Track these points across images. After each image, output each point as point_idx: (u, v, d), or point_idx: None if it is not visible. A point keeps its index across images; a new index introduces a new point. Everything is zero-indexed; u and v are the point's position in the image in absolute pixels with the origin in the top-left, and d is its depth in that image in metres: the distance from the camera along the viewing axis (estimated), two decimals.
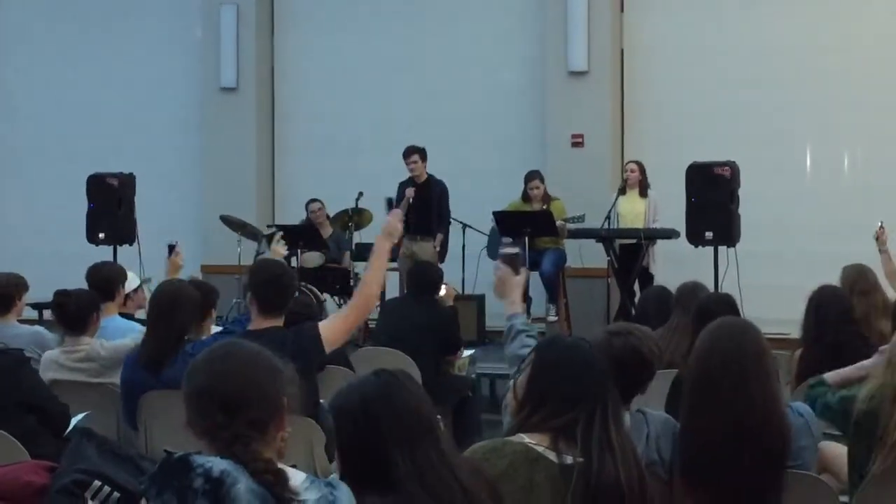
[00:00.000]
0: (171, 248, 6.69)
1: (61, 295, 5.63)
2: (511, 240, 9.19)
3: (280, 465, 2.45)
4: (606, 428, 2.94)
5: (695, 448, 3.31)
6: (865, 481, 3.49)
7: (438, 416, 2.72)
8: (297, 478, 2.48)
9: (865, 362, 4.16)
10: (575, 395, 2.99)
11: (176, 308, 5.21)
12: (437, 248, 10.32)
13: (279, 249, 6.17)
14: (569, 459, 2.91)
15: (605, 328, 3.76)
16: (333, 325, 4.79)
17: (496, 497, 2.75)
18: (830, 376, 4.17)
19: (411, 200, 10.18)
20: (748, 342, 3.37)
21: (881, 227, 7.22)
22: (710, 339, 3.45)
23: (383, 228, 4.84)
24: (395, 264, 10.27)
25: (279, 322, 4.82)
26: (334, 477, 2.66)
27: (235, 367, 2.54)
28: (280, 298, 4.83)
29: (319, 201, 11.12)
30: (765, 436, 3.26)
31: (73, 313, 5.56)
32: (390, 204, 5.07)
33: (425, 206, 10.24)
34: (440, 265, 10.28)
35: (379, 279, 4.93)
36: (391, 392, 2.64)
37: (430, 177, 10.38)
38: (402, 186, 10.37)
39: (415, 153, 10.31)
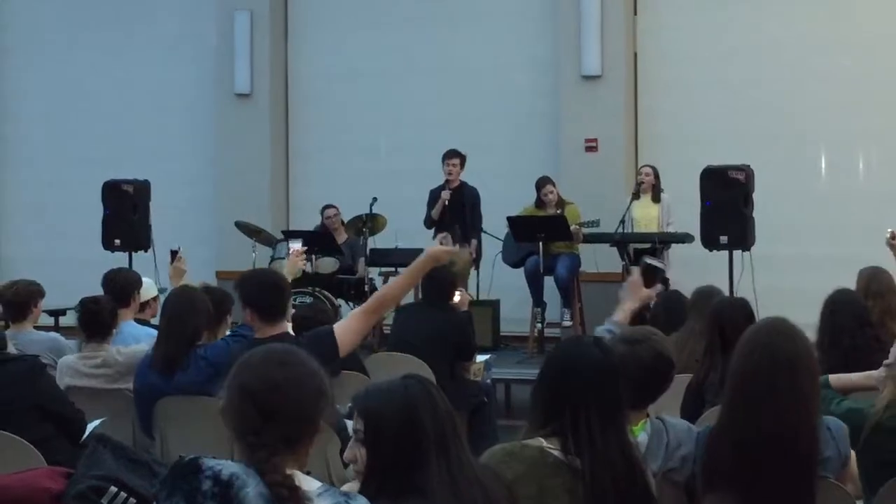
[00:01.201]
0: (174, 253, 6.72)
1: (91, 302, 5.66)
2: None
3: (297, 482, 2.44)
4: (592, 431, 2.94)
5: (725, 451, 3.27)
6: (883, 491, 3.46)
7: None
8: (311, 485, 2.47)
9: (873, 372, 4.12)
10: (561, 398, 3.01)
11: (189, 313, 5.21)
12: (474, 255, 10.33)
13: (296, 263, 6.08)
14: (577, 462, 2.93)
15: (619, 336, 3.75)
16: (348, 328, 4.74)
17: (513, 501, 2.75)
18: (834, 380, 4.12)
19: (447, 202, 10.19)
20: (784, 349, 3.27)
21: (892, 234, 7.16)
22: (748, 343, 3.34)
23: (430, 252, 4.78)
24: None
25: (285, 327, 4.82)
26: (349, 485, 2.66)
27: (287, 379, 2.51)
28: (279, 303, 4.83)
29: (335, 207, 11.13)
30: (795, 444, 3.20)
31: (101, 320, 5.59)
32: (454, 236, 5.05)
33: (459, 212, 10.24)
34: (473, 271, 10.34)
35: (401, 292, 4.90)
36: (433, 397, 2.64)
37: (463, 182, 10.39)
38: (435, 192, 10.37)
39: (456, 157, 10.33)
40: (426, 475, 2.54)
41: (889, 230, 6.87)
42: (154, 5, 13.23)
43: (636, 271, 4.07)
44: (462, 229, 10.21)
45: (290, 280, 5.40)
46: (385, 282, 10.85)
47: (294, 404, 2.50)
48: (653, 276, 4.03)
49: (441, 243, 4.83)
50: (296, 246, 6.24)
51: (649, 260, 3.85)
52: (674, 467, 3.38)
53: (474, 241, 10.35)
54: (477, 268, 10.45)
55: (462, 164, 10.35)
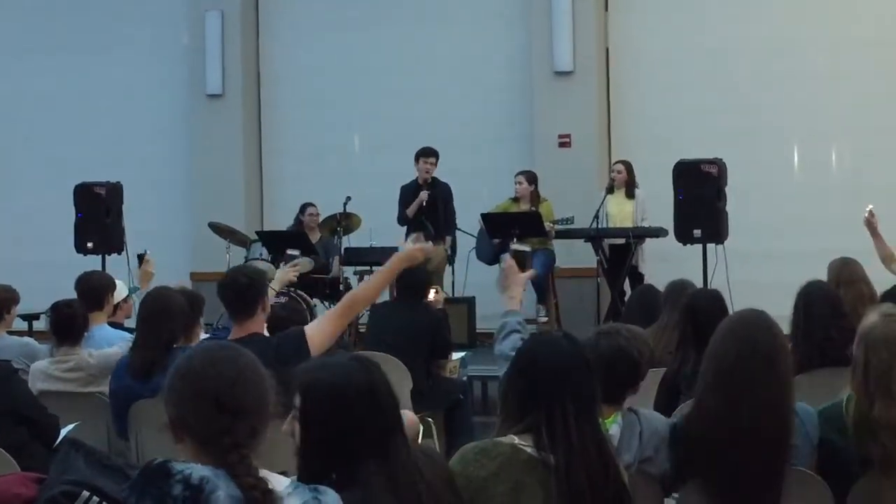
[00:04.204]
0: (141, 257, 6.72)
1: (65, 306, 5.62)
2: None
3: (269, 483, 2.41)
4: (567, 425, 2.94)
5: (700, 442, 3.28)
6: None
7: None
8: (280, 483, 2.46)
9: None
10: (532, 395, 3.00)
11: (165, 315, 5.18)
12: (448, 252, 10.33)
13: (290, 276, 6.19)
14: (551, 459, 2.92)
15: (596, 329, 3.75)
16: (320, 329, 4.74)
17: (454, 488, 2.74)
18: None
19: (424, 203, 10.19)
20: (762, 342, 3.28)
21: (870, 212, 7.21)
22: (726, 335, 3.34)
23: (404, 253, 4.82)
24: None
25: (257, 328, 4.78)
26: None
27: (239, 372, 2.50)
28: (238, 302, 4.77)
29: (315, 205, 11.11)
30: (771, 436, 3.22)
31: (74, 324, 5.56)
32: (427, 235, 5.07)
33: (433, 209, 10.24)
34: (449, 267, 10.34)
35: (375, 292, 4.91)
36: (374, 384, 2.61)
37: (436, 179, 10.39)
38: (406, 189, 10.35)
39: (433, 155, 10.37)
40: (360, 465, 2.51)
41: (868, 208, 6.91)
42: (125, 6, 13.16)
43: (507, 259, 4.15)
44: (436, 226, 10.21)
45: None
46: (360, 280, 10.85)
47: (253, 394, 2.49)
48: (522, 259, 4.14)
49: (414, 243, 4.85)
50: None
51: (516, 246, 4.06)
52: (648, 457, 3.39)
53: (448, 238, 10.36)
54: (452, 264, 10.46)
55: (436, 162, 10.36)
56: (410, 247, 4.83)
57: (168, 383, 2.54)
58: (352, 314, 4.90)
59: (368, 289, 4.90)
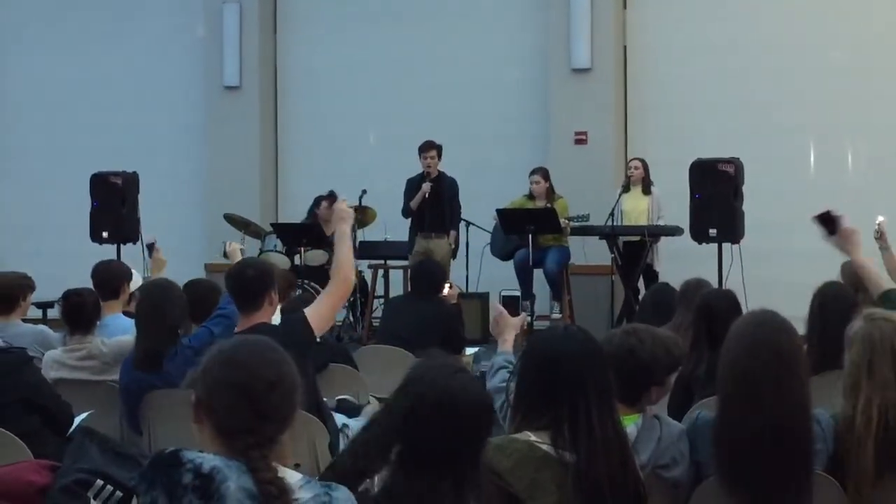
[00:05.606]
0: (151, 246, 6.74)
1: (74, 294, 5.63)
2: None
3: (285, 479, 2.41)
4: (590, 419, 2.93)
5: (725, 445, 3.26)
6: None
7: None
8: (292, 478, 2.45)
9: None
10: (553, 390, 2.98)
11: (164, 304, 5.14)
12: (453, 246, 10.33)
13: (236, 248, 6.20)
14: (568, 456, 2.91)
15: (620, 327, 3.73)
16: (319, 310, 4.74)
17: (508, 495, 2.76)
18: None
19: (427, 195, 10.18)
20: (786, 341, 3.26)
21: (880, 224, 7.10)
22: (748, 339, 3.29)
23: (336, 214, 4.96)
24: (407, 262, 10.24)
25: (260, 318, 4.74)
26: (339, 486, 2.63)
27: (282, 378, 2.47)
28: (245, 295, 4.76)
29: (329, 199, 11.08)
30: (795, 438, 3.20)
31: (84, 313, 5.57)
32: (332, 197, 5.23)
33: (438, 203, 10.22)
34: (453, 261, 10.33)
35: (349, 259, 4.89)
36: (482, 393, 2.62)
37: (442, 173, 10.36)
38: (411, 182, 10.35)
39: (433, 149, 10.29)
40: (453, 470, 2.53)
41: (878, 221, 6.81)
42: None
43: (498, 306, 4.19)
44: (440, 220, 10.20)
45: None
46: (374, 274, 10.86)
47: (288, 401, 2.47)
48: (514, 305, 4.14)
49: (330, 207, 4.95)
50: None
51: (506, 292, 4.15)
52: (665, 464, 3.37)
53: (453, 233, 10.36)
54: (454, 257, 10.44)
55: (439, 155, 10.31)
56: (338, 205, 4.95)
57: (206, 365, 2.49)
58: (342, 287, 4.85)
59: (343, 261, 4.85)
